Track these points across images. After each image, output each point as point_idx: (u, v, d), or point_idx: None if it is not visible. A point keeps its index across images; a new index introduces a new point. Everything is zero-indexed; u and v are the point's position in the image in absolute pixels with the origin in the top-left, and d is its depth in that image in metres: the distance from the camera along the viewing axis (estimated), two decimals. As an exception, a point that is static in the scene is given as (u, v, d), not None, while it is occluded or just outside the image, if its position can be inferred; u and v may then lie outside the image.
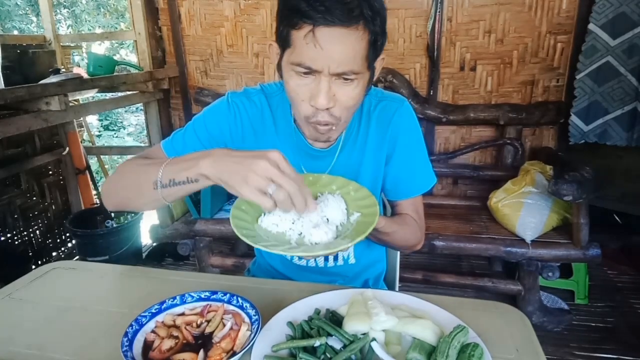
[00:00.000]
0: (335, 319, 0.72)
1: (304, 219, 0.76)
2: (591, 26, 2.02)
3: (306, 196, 0.66)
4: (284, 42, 0.76)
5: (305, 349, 0.64)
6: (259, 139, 0.95)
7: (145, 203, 0.79)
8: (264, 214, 0.80)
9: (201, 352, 0.63)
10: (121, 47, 7.47)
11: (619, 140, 2.10)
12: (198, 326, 0.71)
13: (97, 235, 2.41)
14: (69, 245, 2.88)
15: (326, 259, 1.02)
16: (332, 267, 1.04)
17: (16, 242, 2.50)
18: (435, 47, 2.38)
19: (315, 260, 1.02)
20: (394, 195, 1.00)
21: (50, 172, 2.75)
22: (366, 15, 0.71)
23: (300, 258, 1.03)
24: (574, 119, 2.14)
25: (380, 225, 0.83)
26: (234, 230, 0.72)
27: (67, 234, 2.85)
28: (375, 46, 0.76)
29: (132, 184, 0.79)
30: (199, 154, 0.69)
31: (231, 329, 0.69)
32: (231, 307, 0.74)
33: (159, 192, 0.72)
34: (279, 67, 0.81)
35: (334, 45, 0.71)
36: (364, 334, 0.67)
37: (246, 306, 0.73)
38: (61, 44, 2.78)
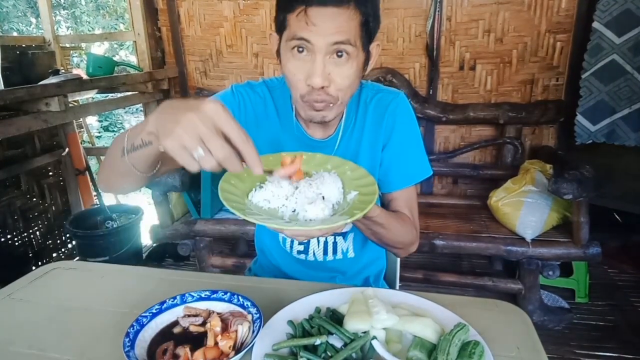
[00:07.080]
0: (336, 318, 0.72)
1: (299, 195, 0.71)
2: (595, 24, 1.98)
3: (249, 157, 0.57)
4: (281, 26, 0.80)
5: (306, 348, 0.64)
6: (261, 129, 0.96)
7: (118, 174, 0.74)
8: (255, 189, 0.74)
9: (198, 352, 0.63)
10: (121, 48, 7.49)
11: (628, 140, 2.04)
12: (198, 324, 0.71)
13: (97, 236, 2.41)
14: (69, 246, 2.88)
15: (325, 252, 1.02)
16: (332, 262, 1.04)
17: (16, 243, 2.50)
18: (435, 46, 2.38)
19: (314, 253, 1.02)
20: (387, 187, 0.99)
21: (50, 173, 2.75)
22: None
23: (299, 252, 1.03)
24: (580, 119, 2.09)
25: (375, 214, 0.82)
26: (224, 203, 0.66)
27: (67, 235, 2.84)
28: (368, 27, 0.79)
29: (110, 154, 0.75)
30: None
31: (231, 327, 0.69)
32: (232, 306, 0.74)
33: (126, 160, 0.66)
34: (278, 53, 0.84)
35: (326, 22, 0.74)
36: (364, 332, 0.67)
37: (247, 305, 0.73)
38: (61, 45, 2.78)
